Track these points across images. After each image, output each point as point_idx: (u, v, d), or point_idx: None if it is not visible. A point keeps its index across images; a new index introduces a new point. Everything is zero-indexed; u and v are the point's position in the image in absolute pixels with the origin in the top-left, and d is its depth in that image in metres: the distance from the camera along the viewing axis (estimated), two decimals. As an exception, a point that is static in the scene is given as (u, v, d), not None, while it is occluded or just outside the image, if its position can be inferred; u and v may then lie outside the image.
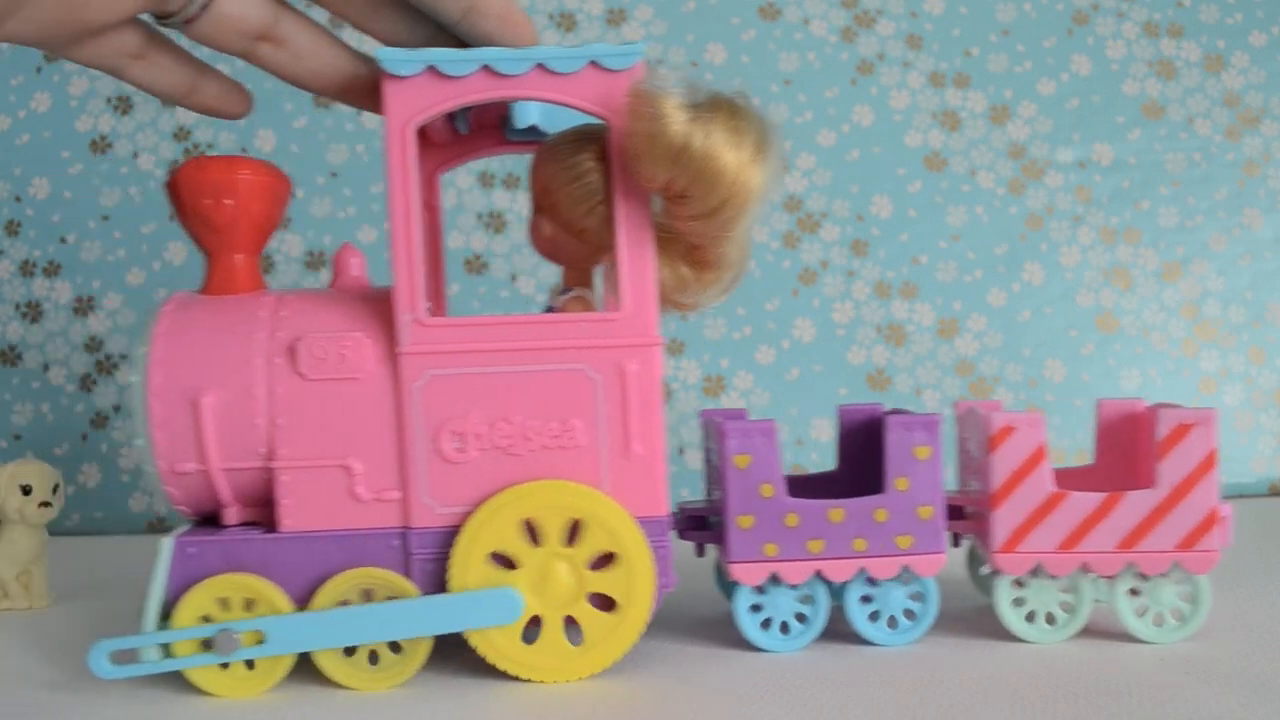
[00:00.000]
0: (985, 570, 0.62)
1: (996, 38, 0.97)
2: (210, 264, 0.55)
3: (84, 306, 0.93)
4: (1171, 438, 0.53)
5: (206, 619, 0.51)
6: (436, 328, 0.51)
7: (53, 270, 0.93)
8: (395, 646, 0.52)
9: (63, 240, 0.93)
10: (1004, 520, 0.54)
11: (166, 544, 0.52)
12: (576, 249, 0.54)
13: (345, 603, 0.51)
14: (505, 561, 0.52)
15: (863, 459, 0.59)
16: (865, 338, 0.94)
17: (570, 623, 0.52)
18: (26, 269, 0.93)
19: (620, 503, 0.51)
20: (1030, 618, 0.55)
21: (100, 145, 0.95)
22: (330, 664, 0.52)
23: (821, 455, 0.92)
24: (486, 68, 0.50)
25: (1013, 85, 0.96)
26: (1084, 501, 0.54)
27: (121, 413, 0.92)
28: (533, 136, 0.57)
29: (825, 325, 0.94)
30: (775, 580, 0.55)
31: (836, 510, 0.54)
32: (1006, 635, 0.55)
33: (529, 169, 0.54)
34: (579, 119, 0.54)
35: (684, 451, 0.91)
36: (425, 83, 0.50)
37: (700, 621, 0.60)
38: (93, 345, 0.93)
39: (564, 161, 0.52)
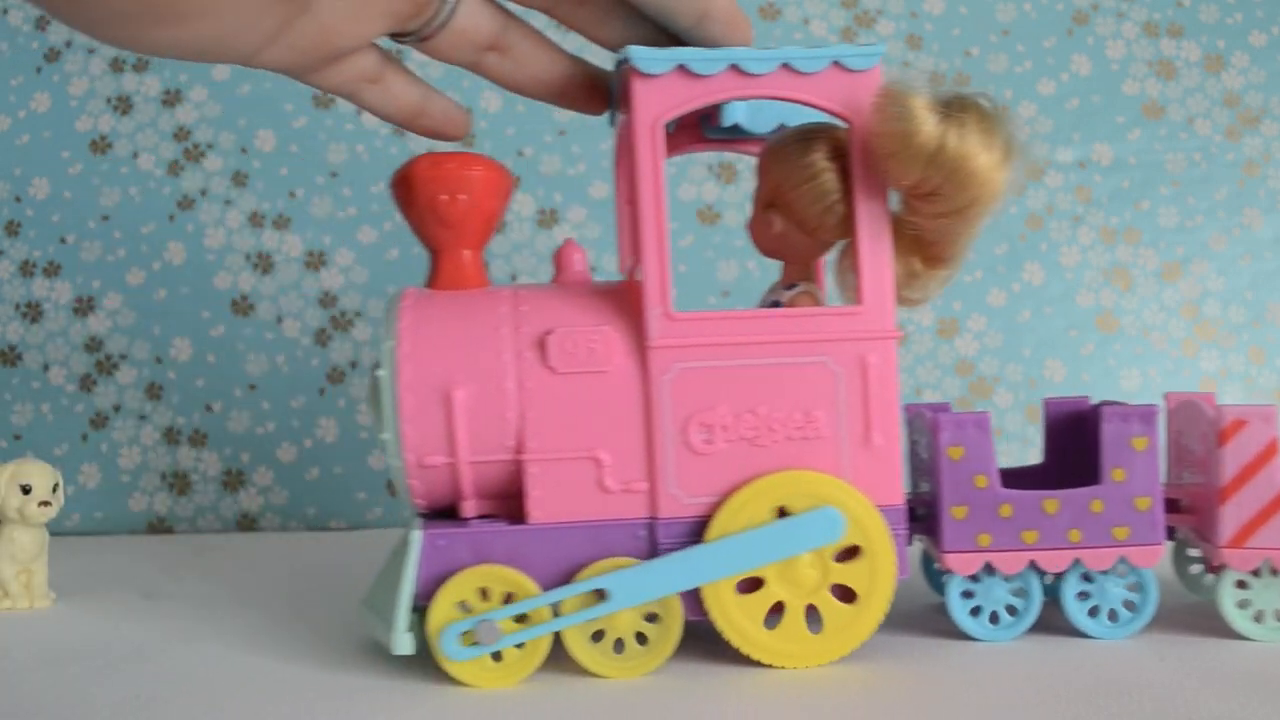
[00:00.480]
0: (1197, 568, 0.62)
1: (996, 38, 0.97)
2: (438, 259, 0.56)
3: (84, 306, 0.93)
4: None
5: (463, 607, 0.52)
6: (685, 321, 0.52)
7: (53, 270, 0.93)
8: (642, 638, 0.53)
9: (63, 240, 0.93)
10: (1232, 516, 0.54)
11: (416, 536, 0.53)
12: (805, 245, 0.55)
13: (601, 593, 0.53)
14: None
15: (1070, 452, 0.60)
16: (865, 338, 0.94)
17: (811, 611, 0.53)
18: (26, 269, 0.93)
19: (862, 493, 0.53)
20: (1259, 617, 0.55)
21: (100, 145, 0.95)
22: (582, 653, 0.52)
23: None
24: (734, 67, 0.51)
25: (1013, 85, 0.96)
26: None
27: (122, 413, 0.92)
28: (730, 135, 0.59)
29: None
30: (989, 570, 0.55)
31: (1051, 501, 0.54)
32: (1214, 630, 0.56)
33: (756, 168, 0.56)
34: (791, 117, 0.56)
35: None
36: (674, 81, 0.52)
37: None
38: (93, 345, 0.93)
39: (797, 161, 0.54)
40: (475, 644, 0.51)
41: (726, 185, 0.94)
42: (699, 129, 0.60)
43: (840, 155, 0.54)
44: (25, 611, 0.68)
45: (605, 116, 0.58)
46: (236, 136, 0.95)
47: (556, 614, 0.52)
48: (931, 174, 0.51)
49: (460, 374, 0.53)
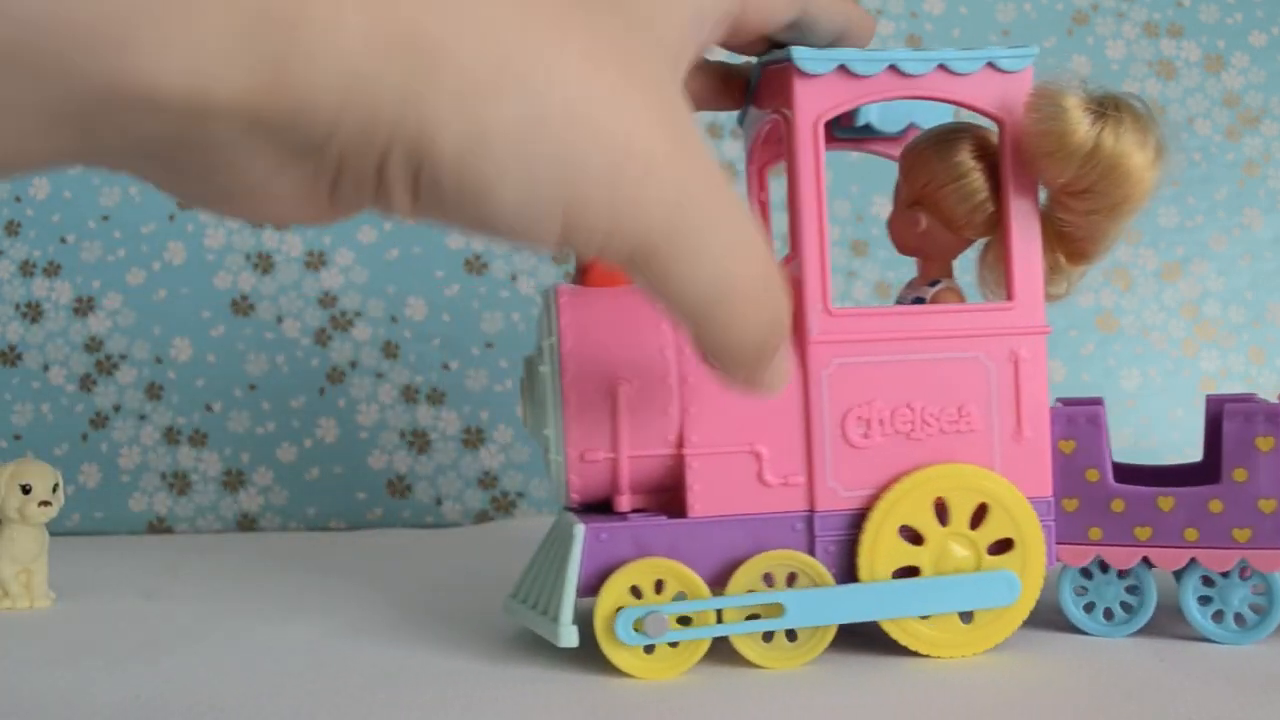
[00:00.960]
0: None
1: (996, 38, 0.97)
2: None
3: (84, 306, 0.93)
4: None
5: (634, 595, 0.53)
6: (844, 317, 0.53)
7: (53, 270, 0.93)
8: (791, 634, 0.53)
9: (63, 240, 0.93)
10: None
11: (580, 530, 0.53)
12: (949, 243, 0.56)
13: (769, 581, 0.53)
14: (913, 538, 0.54)
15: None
16: (865, 338, 0.94)
17: None
18: (26, 269, 0.93)
19: (1014, 485, 0.53)
20: None
21: (100, 145, 0.95)
22: (744, 644, 0.53)
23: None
24: (892, 67, 0.52)
25: (1013, 85, 0.96)
26: None
27: (122, 413, 0.92)
28: (861, 134, 0.60)
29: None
30: (1102, 567, 0.56)
31: (1166, 498, 0.54)
32: None
33: (901, 166, 0.57)
34: (920, 117, 0.58)
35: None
36: (834, 81, 0.52)
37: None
38: (93, 345, 0.93)
39: (946, 161, 0.55)
40: (642, 634, 0.52)
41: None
42: (828, 129, 0.61)
43: (985, 154, 0.55)
44: (25, 611, 0.68)
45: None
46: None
47: (720, 617, 0.53)
48: (1086, 173, 0.52)
49: (624, 370, 0.54)
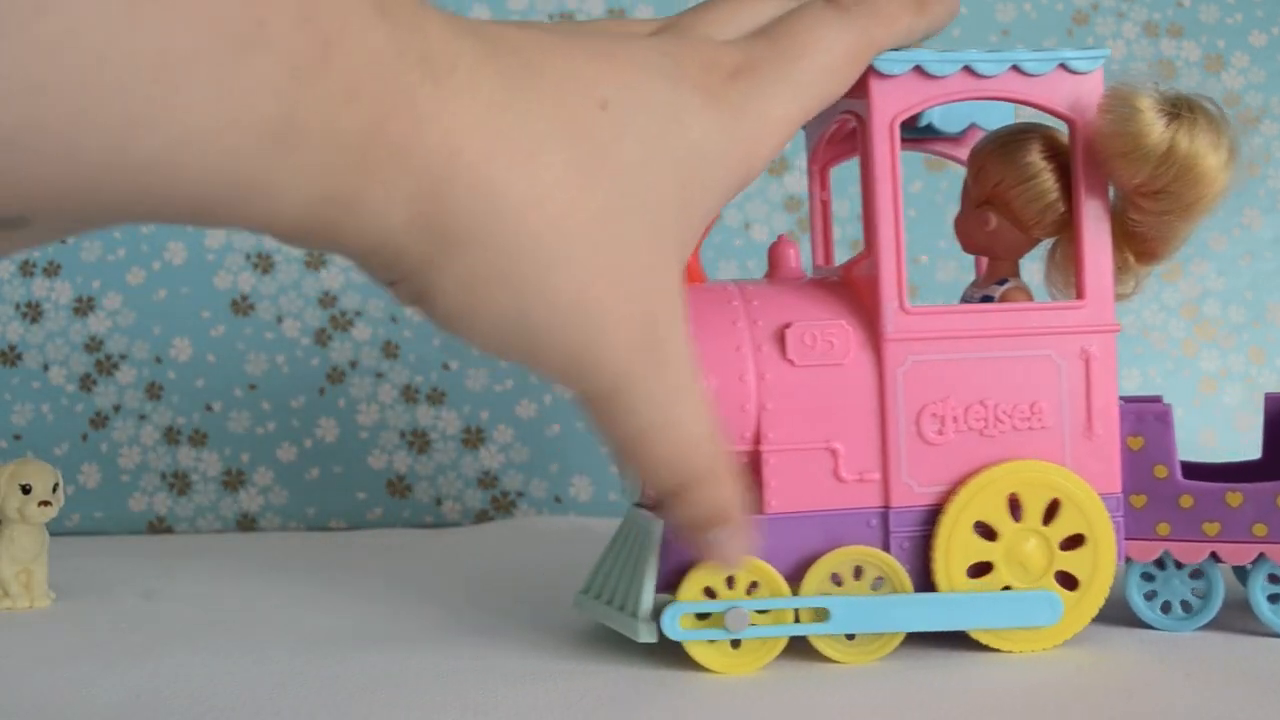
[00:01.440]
0: None
1: (996, 38, 0.97)
2: None
3: (84, 306, 0.93)
4: None
5: (709, 594, 0.53)
6: (919, 315, 0.54)
7: (53, 270, 0.93)
8: None
9: (62, 240, 0.93)
10: None
11: (658, 527, 0.53)
12: (1017, 242, 0.57)
13: (836, 579, 0.54)
14: (986, 534, 0.54)
15: None
16: (865, 338, 0.94)
17: None
18: (26, 269, 0.93)
19: (1085, 481, 0.54)
20: None
21: (100, 145, 0.95)
22: (819, 639, 0.54)
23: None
24: (967, 68, 0.53)
25: (1013, 85, 0.96)
26: None
27: (122, 413, 0.92)
28: (922, 135, 0.61)
29: (825, 325, 0.94)
30: (1169, 563, 0.56)
31: (1234, 494, 0.55)
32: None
33: (970, 167, 0.57)
34: (982, 118, 0.59)
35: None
36: (910, 81, 0.53)
37: None
38: (93, 345, 0.93)
39: (1017, 162, 0.56)
40: (724, 629, 0.53)
41: (726, 185, 0.94)
42: None
43: (1055, 154, 0.56)
44: (25, 611, 0.68)
45: None
46: (236, 136, 0.95)
47: (796, 615, 0.54)
48: (1161, 173, 0.52)
49: (704, 366, 0.54)
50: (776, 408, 0.54)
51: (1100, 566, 0.54)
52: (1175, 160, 0.52)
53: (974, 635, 0.54)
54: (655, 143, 0.38)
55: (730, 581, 0.53)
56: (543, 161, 0.34)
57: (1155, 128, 0.52)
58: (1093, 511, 0.54)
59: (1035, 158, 0.55)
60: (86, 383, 0.93)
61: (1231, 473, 0.59)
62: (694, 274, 0.58)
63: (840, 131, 0.62)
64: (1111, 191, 0.55)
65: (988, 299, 0.57)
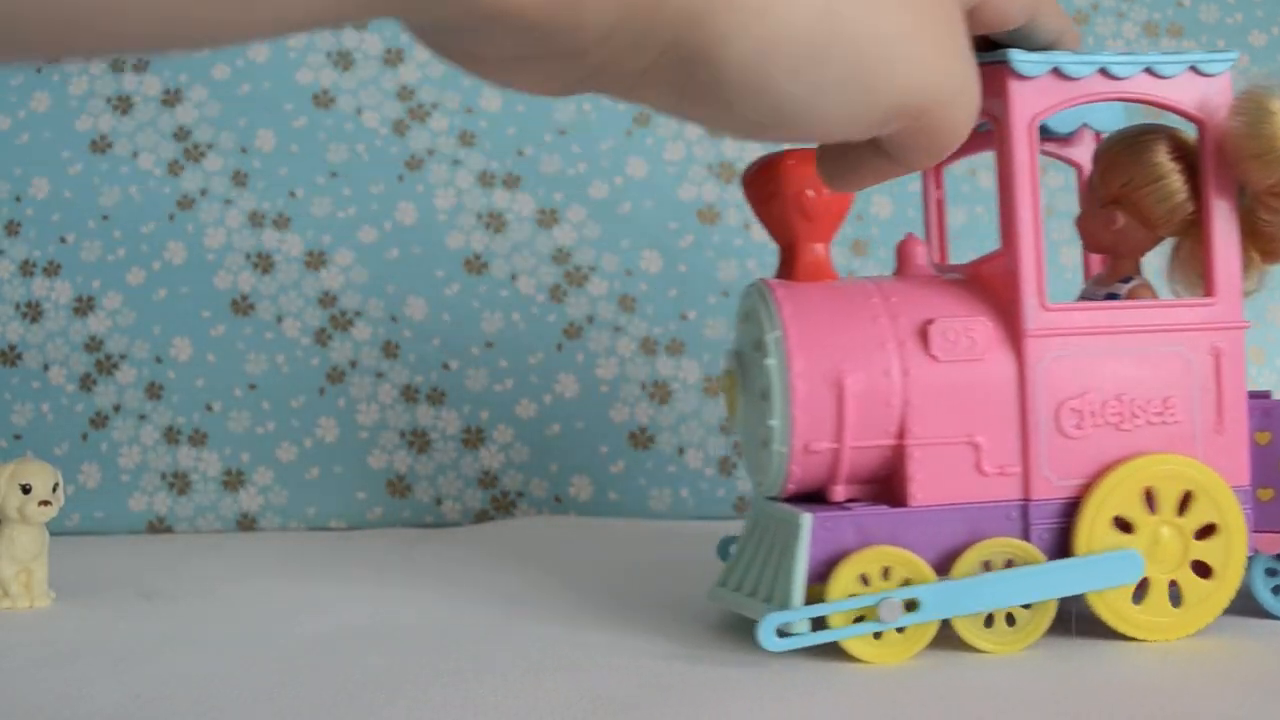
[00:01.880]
0: None
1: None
2: (795, 252, 0.58)
3: (84, 306, 0.93)
4: None
5: (863, 581, 0.54)
6: (1058, 311, 0.55)
7: (53, 270, 0.93)
8: (1009, 618, 0.55)
9: (63, 240, 0.93)
10: None
11: (806, 520, 0.54)
12: (1142, 241, 0.58)
13: (987, 567, 0.55)
14: (1123, 526, 0.55)
15: None
16: (865, 338, 0.94)
17: (1170, 586, 0.55)
18: (26, 269, 0.93)
19: (1217, 474, 0.55)
20: None
21: (100, 145, 0.95)
22: (966, 629, 0.54)
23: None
24: (1103, 70, 0.54)
25: (1013, 85, 0.96)
26: None
27: (122, 413, 0.92)
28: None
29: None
30: None
31: None
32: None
33: (1095, 166, 0.59)
34: (1091, 119, 0.60)
35: (683, 451, 0.91)
36: (1048, 83, 0.54)
37: None
38: (93, 345, 0.93)
39: (1144, 162, 0.57)
40: (876, 620, 0.53)
41: (726, 185, 0.94)
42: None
43: (1181, 155, 0.57)
44: (25, 611, 0.68)
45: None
46: (236, 136, 0.95)
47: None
48: None
49: (848, 362, 0.55)
50: (921, 402, 0.55)
51: (1233, 555, 0.55)
52: None
53: (1112, 624, 0.55)
54: None
55: (886, 573, 0.54)
56: None
57: None
58: (1225, 502, 0.55)
59: (1163, 158, 0.57)
60: (86, 383, 0.93)
61: None
62: (824, 270, 0.59)
63: None
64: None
65: (1113, 296, 0.58)
